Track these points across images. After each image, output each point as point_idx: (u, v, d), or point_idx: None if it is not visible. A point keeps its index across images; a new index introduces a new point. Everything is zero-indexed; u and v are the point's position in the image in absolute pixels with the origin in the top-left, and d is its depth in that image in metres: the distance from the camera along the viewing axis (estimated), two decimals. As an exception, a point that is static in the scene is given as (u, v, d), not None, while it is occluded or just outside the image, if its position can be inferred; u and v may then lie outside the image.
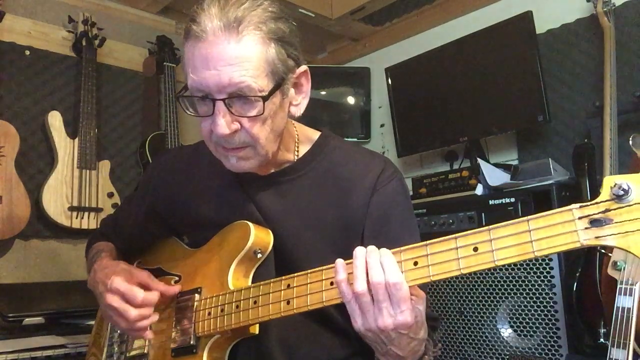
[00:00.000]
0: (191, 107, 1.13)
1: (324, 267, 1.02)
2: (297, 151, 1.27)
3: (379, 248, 0.97)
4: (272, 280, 1.10)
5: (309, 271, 1.04)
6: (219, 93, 1.05)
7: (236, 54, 1.04)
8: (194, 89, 1.08)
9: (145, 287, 1.26)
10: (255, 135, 1.10)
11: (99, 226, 1.64)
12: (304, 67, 1.17)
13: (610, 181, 0.75)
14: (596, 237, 0.76)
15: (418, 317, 0.97)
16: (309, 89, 1.20)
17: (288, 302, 1.05)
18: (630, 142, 1.48)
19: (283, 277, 1.08)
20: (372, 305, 0.94)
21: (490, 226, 0.86)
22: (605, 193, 0.76)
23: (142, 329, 1.24)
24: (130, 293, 1.20)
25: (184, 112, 1.14)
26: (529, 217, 0.82)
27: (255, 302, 1.10)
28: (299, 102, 1.19)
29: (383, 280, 0.92)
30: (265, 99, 1.06)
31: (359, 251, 0.96)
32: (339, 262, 0.97)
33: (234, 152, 1.13)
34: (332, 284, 1.00)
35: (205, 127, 1.12)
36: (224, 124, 1.07)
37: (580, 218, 0.77)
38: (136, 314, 1.20)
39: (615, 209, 0.75)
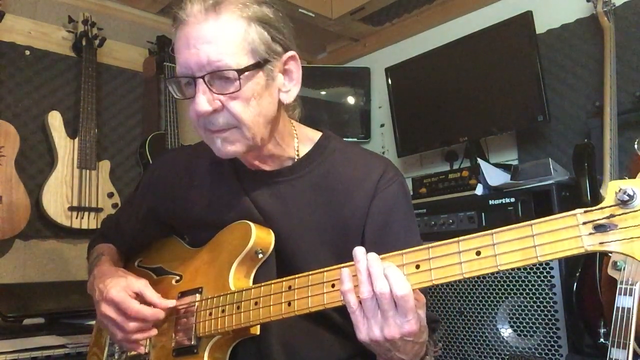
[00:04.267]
0: (179, 92, 1.15)
1: (326, 269, 1.02)
2: (298, 151, 1.26)
3: (380, 252, 0.95)
4: (273, 281, 1.10)
5: (311, 273, 1.04)
6: (199, 72, 1.08)
7: (214, 32, 1.07)
8: (180, 73, 1.11)
9: (141, 297, 1.25)
10: (237, 115, 1.10)
11: (100, 226, 1.64)
12: (291, 53, 1.17)
13: (615, 186, 0.74)
14: (600, 243, 0.75)
15: (421, 322, 0.97)
16: (299, 76, 1.19)
17: (289, 304, 1.05)
18: (636, 146, 1.48)
19: (284, 279, 1.08)
20: (377, 311, 0.92)
21: (493, 230, 0.85)
22: (609, 198, 0.75)
23: (137, 343, 1.24)
24: (124, 304, 1.20)
25: (174, 94, 1.17)
26: (533, 221, 0.81)
27: (256, 303, 1.10)
28: (289, 89, 1.18)
29: (388, 291, 0.90)
30: (240, 72, 1.07)
31: (359, 253, 0.94)
32: (345, 271, 0.96)
33: (218, 134, 1.13)
34: (333, 286, 0.99)
35: (191, 110, 1.13)
36: (203, 101, 1.08)
37: (584, 223, 0.76)
38: (131, 327, 1.20)
39: (620, 215, 0.74)
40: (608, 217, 0.74)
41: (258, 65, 1.10)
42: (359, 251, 0.95)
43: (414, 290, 0.93)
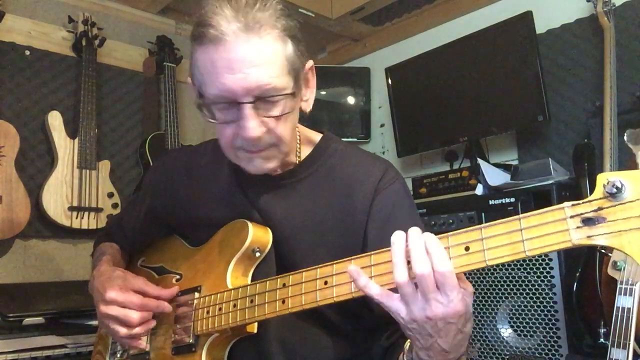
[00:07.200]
0: (211, 116, 1.09)
1: (319, 266, 1.02)
2: (299, 153, 1.26)
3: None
4: (268, 279, 1.10)
5: (304, 270, 1.04)
6: (246, 96, 1.03)
7: (260, 54, 1.02)
8: (218, 96, 1.05)
9: (141, 294, 1.26)
10: (279, 135, 1.10)
11: (105, 225, 1.64)
12: (311, 62, 1.17)
13: (603, 178, 0.72)
14: (588, 237, 0.73)
15: (469, 306, 0.90)
16: (314, 83, 1.20)
17: (283, 302, 1.05)
18: (625, 138, 1.47)
19: (279, 276, 1.08)
20: (416, 295, 0.86)
21: (482, 225, 0.83)
22: (598, 191, 0.73)
23: (139, 338, 1.24)
24: (126, 300, 1.21)
25: (205, 120, 1.09)
26: (521, 215, 0.79)
27: (252, 301, 1.10)
28: (308, 97, 1.19)
29: (429, 270, 0.84)
30: (293, 96, 1.07)
31: (396, 238, 0.88)
32: (353, 268, 0.92)
33: (258, 154, 1.11)
34: (325, 283, 0.99)
35: (228, 133, 1.09)
36: (254, 126, 1.05)
37: (572, 217, 0.74)
38: (134, 319, 1.21)
39: (608, 207, 0.72)
40: (596, 210, 0.72)
41: (297, 83, 1.10)
42: (396, 237, 0.88)
43: (462, 278, 0.89)
